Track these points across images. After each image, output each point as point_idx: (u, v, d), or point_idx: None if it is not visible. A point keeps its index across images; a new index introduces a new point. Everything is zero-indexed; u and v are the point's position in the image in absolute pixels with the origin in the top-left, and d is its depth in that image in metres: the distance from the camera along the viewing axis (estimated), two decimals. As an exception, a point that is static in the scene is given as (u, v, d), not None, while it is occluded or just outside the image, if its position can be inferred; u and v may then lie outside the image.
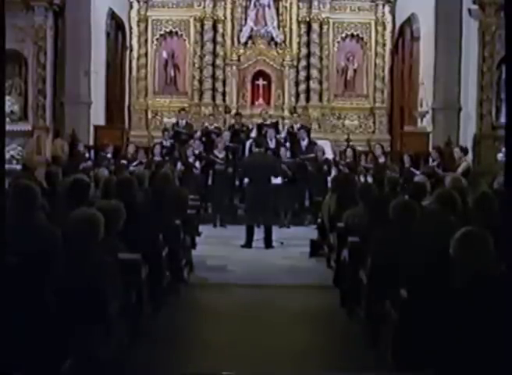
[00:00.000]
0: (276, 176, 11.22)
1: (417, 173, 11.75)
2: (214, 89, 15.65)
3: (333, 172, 12.70)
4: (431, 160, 12.69)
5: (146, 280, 5.85)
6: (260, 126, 13.92)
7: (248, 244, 10.43)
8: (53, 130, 13.31)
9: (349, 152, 13.24)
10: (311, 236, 10.18)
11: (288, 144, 13.30)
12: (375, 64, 15.77)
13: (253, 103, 15.63)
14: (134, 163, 12.26)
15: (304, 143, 13.24)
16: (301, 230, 11.87)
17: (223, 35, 15.72)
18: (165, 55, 15.86)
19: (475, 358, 3.58)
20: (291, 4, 15.80)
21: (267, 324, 6.48)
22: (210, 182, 12.82)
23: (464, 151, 12.55)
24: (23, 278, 3.78)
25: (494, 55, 13.07)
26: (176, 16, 15.82)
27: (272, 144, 12.88)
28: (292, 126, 14.29)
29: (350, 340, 5.98)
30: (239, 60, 15.62)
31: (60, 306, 3.85)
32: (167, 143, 13.40)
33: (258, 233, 10.60)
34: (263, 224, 10.63)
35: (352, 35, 15.89)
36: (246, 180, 10.99)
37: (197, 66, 15.71)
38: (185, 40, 15.86)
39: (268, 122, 14.04)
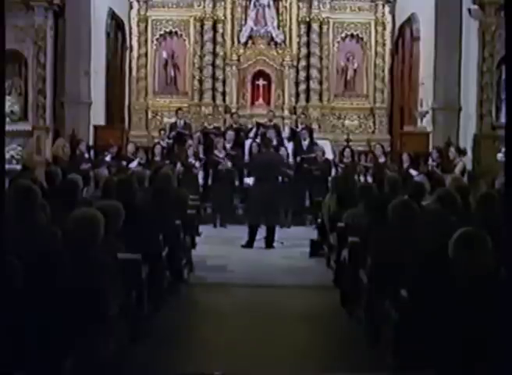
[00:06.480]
0: (280, 176, 11.22)
1: (415, 173, 11.75)
2: (214, 89, 15.65)
3: (333, 172, 12.71)
4: (430, 160, 12.69)
5: (146, 280, 5.85)
6: (258, 125, 13.91)
7: (249, 244, 10.42)
8: (53, 130, 13.30)
9: (347, 153, 13.23)
10: (311, 236, 10.18)
11: (291, 144, 13.33)
12: (375, 64, 15.78)
13: (253, 103, 15.63)
14: (133, 165, 12.21)
15: (306, 143, 13.27)
16: (301, 230, 11.87)
17: (223, 35, 15.72)
18: (165, 55, 15.86)
19: (475, 357, 3.58)
20: (291, 4, 15.80)
21: (267, 324, 6.48)
22: (210, 182, 12.86)
23: (462, 152, 12.55)
24: (23, 278, 3.78)
25: (494, 55, 13.06)
26: (176, 16, 15.82)
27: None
28: (296, 125, 14.32)
29: (350, 340, 5.98)
30: (239, 60, 15.62)
31: (60, 306, 3.85)
32: (164, 143, 13.41)
33: (259, 233, 10.59)
34: (266, 224, 10.61)
35: (352, 35, 15.89)
36: (248, 179, 10.97)
37: (197, 66, 15.71)
38: (185, 40, 15.86)
39: (271, 123, 14.00)
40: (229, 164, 12.53)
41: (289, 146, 13.33)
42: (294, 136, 13.70)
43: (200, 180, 12.90)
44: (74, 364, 3.80)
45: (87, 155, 12.83)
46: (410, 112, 14.93)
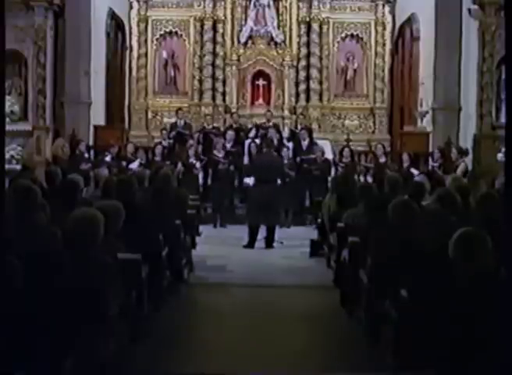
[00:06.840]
0: (281, 178, 11.23)
1: (416, 173, 11.74)
2: (214, 89, 15.66)
3: (333, 172, 12.71)
4: (432, 161, 12.69)
5: (146, 280, 5.85)
6: (258, 127, 13.91)
7: (251, 244, 10.42)
8: (53, 130, 13.29)
9: (346, 152, 13.24)
10: (311, 236, 10.18)
11: (291, 144, 13.33)
12: (375, 64, 15.79)
13: (253, 103, 15.64)
14: (134, 165, 12.20)
15: (305, 143, 13.26)
16: (301, 230, 11.87)
17: (223, 35, 15.73)
18: (165, 55, 15.87)
19: (475, 357, 3.58)
20: (291, 4, 15.81)
21: (267, 324, 6.48)
22: (210, 182, 12.86)
23: (464, 152, 12.55)
24: (23, 278, 3.78)
25: (494, 55, 13.05)
26: (176, 16, 15.83)
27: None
28: (296, 126, 14.31)
29: (350, 340, 5.98)
30: (239, 60, 15.63)
31: (60, 306, 3.85)
32: (165, 143, 13.42)
33: (259, 233, 10.58)
34: (266, 224, 10.61)
35: (352, 35, 15.90)
36: (249, 180, 10.98)
37: (197, 66, 15.72)
38: (185, 40, 15.88)
39: (270, 123, 14.01)
40: (231, 168, 12.56)
41: (290, 146, 13.33)
42: (294, 137, 13.71)
43: (200, 180, 12.91)
44: (74, 364, 3.80)
45: (86, 155, 12.83)
46: (410, 112, 14.92)
